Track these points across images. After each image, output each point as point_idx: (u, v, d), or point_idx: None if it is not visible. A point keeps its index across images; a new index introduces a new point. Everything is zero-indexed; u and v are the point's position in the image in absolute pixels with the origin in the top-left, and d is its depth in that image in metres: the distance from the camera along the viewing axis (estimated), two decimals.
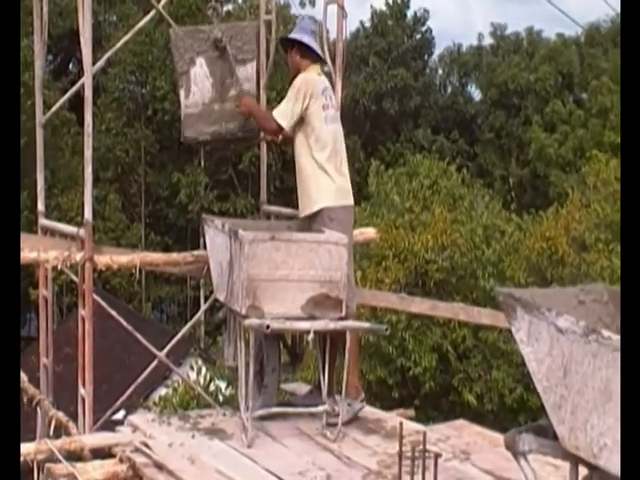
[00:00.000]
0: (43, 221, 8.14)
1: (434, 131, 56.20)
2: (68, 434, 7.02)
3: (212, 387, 19.16)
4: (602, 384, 3.73)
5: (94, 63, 7.29)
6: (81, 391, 7.19)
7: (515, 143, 54.23)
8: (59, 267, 7.14)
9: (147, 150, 46.35)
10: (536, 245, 23.47)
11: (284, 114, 7.14)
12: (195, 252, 8.01)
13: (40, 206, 8.21)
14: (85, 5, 7.05)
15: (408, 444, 4.72)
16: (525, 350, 4.15)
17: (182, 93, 7.79)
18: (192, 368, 20.09)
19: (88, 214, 7.16)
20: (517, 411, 20.99)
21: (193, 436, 6.61)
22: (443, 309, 9.08)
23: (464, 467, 6.01)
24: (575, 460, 4.01)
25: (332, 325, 6.46)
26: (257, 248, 6.34)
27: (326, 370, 6.74)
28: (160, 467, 5.97)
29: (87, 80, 7.15)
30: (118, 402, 8.22)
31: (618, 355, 3.63)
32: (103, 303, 7.82)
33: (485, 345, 21.22)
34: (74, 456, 6.35)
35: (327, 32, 8.20)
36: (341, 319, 6.52)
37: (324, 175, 7.13)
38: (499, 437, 5.91)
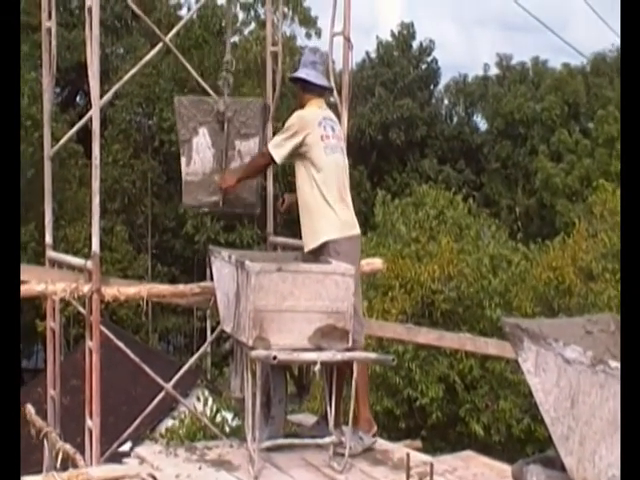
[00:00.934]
0: (51, 253, 8.16)
1: (440, 161, 56.30)
2: (75, 466, 7.01)
3: (219, 418, 19.09)
4: (610, 415, 3.73)
5: (102, 95, 7.33)
6: (88, 423, 7.18)
7: (521, 173, 54.27)
8: (67, 299, 7.15)
9: (154, 181, 46.46)
10: (543, 275, 23.41)
11: (277, 146, 7.22)
12: (202, 283, 8.02)
13: (48, 238, 8.22)
14: (93, 38, 7.10)
15: (415, 475, 4.71)
16: (532, 381, 4.15)
17: (184, 160, 7.89)
18: (199, 399, 20.02)
19: (95, 246, 7.18)
20: (525, 442, 20.87)
21: (200, 467, 6.60)
22: (450, 340, 9.07)
23: None
24: None
25: (339, 356, 6.46)
26: (264, 279, 6.35)
27: (333, 401, 6.73)
28: None
29: (95, 113, 7.19)
30: (125, 434, 8.20)
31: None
32: (110, 335, 7.83)
33: (492, 375, 21.13)
34: None
35: (333, 63, 8.25)
36: (348, 350, 6.52)
37: (327, 208, 7.12)
38: (507, 468, 5.89)
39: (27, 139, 33.71)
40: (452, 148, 57.73)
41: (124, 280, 9.62)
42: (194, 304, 8.87)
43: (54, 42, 7.92)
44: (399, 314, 20.82)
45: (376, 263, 8.90)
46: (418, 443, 7.99)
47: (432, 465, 4.76)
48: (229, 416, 19.17)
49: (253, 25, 51.16)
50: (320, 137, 7.19)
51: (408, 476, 4.66)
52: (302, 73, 7.41)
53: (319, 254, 7.13)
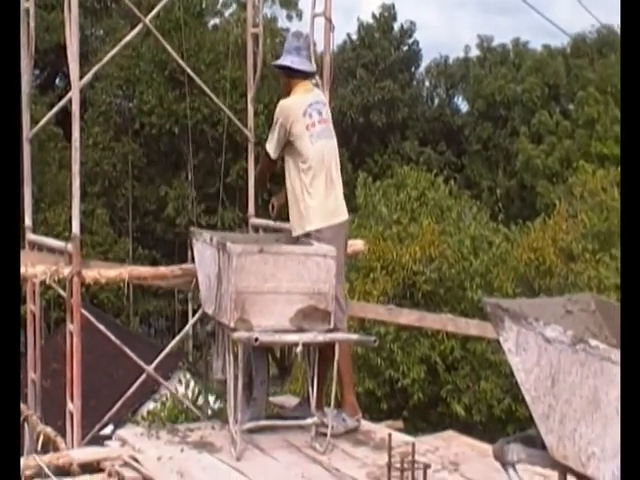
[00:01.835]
0: (30, 236, 8.11)
1: (421, 143, 56.36)
2: (56, 449, 6.99)
3: (200, 400, 19.11)
4: (590, 393, 3.75)
5: (81, 77, 7.29)
6: (69, 406, 7.16)
7: (502, 154, 54.39)
8: (47, 282, 7.12)
9: (134, 164, 46.35)
10: (524, 256, 23.50)
11: (269, 142, 7.22)
12: (183, 265, 8.00)
13: (27, 221, 8.17)
14: (72, 19, 7.05)
15: (397, 455, 4.73)
16: (513, 360, 4.16)
17: None
18: (180, 382, 20.04)
19: (76, 228, 7.16)
20: (505, 422, 20.99)
21: (182, 450, 6.60)
22: (431, 320, 9.10)
23: (453, 478, 6.01)
24: (563, 469, 4.02)
25: (320, 337, 6.46)
26: (245, 261, 6.34)
27: (315, 382, 6.73)
28: None
29: (74, 94, 7.15)
30: (106, 417, 8.18)
31: (605, 364, 3.65)
32: (91, 317, 7.82)
33: (473, 356, 21.23)
34: (63, 471, 6.33)
35: (314, 45, 8.23)
36: (329, 331, 6.53)
37: (312, 198, 7.08)
38: (488, 448, 5.91)
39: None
40: (433, 130, 57.78)
41: (105, 262, 9.61)
42: (175, 286, 8.85)
43: (32, 23, 7.85)
44: (380, 295, 20.87)
45: (357, 245, 8.90)
46: (400, 424, 8.01)
47: (414, 445, 4.77)
48: (211, 398, 19.19)
49: (234, 7, 51.11)
50: (305, 127, 7.13)
51: (390, 456, 4.67)
52: (287, 60, 7.32)
53: (303, 241, 7.13)
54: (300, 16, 49.66)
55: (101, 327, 8.07)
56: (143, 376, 8.19)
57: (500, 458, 4.26)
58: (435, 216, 23.97)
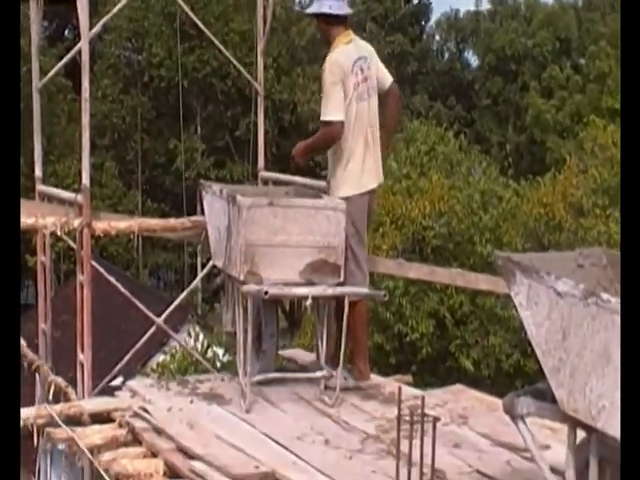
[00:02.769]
0: (41, 187, 8.12)
1: (431, 97, 56.04)
2: (67, 399, 7.03)
3: (210, 354, 19.21)
4: (601, 347, 3.74)
5: (90, 29, 7.25)
6: (80, 356, 7.20)
7: (512, 109, 54.05)
8: (57, 233, 7.13)
9: (143, 117, 46.17)
10: (533, 211, 23.48)
11: (332, 108, 6.82)
12: (193, 218, 8.00)
13: (38, 172, 8.18)
14: None
15: (406, 409, 4.73)
16: (524, 314, 4.16)
17: None
18: (190, 335, 20.13)
19: (86, 180, 7.15)
20: (514, 376, 21.08)
21: (192, 401, 6.64)
22: (441, 275, 9.08)
23: (462, 431, 6.04)
24: (573, 423, 4.03)
25: (330, 291, 6.47)
26: (255, 214, 6.34)
27: (324, 336, 6.74)
28: (159, 432, 5.99)
29: (84, 45, 7.12)
30: (116, 368, 8.21)
31: (617, 318, 3.64)
32: (101, 269, 7.83)
33: (482, 311, 21.27)
34: (73, 421, 6.38)
35: None
36: (339, 284, 6.53)
37: (348, 163, 6.90)
38: (496, 402, 5.93)
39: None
40: (443, 84, 57.44)
41: (115, 214, 9.61)
42: (185, 239, 8.87)
43: None
44: (390, 250, 20.89)
45: None
46: (409, 378, 8.01)
47: (423, 398, 4.78)
48: (220, 351, 19.29)
49: None
50: (353, 85, 6.87)
51: (399, 409, 4.67)
52: (324, 7, 6.96)
53: (315, 194, 7.09)
54: None
55: (111, 278, 8.08)
56: (153, 328, 8.21)
57: (510, 411, 4.27)
58: (445, 171, 23.91)
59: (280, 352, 7.93)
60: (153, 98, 46.33)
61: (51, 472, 11.43)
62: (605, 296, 3.73)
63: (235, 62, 9.55)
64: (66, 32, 52.38)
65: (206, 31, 10.04)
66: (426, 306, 20.75)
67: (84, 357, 7.15)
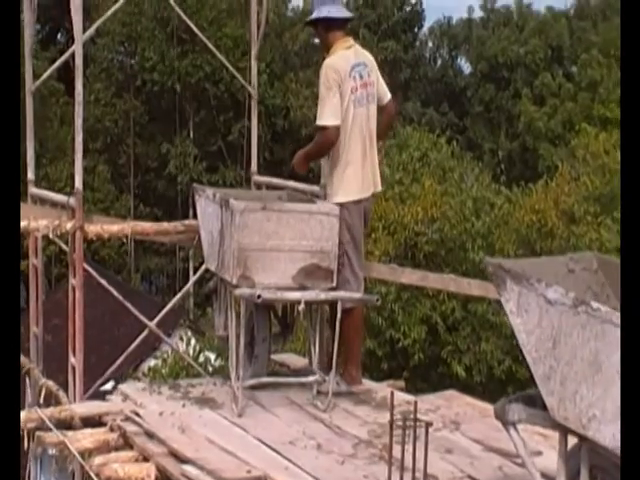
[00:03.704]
0: (33, 190, 8.09)
1: (424, 104, 56.14)
2: (58, 403, 7.02)
3: (201, 358, 19.19)
4: (591, 355, 3.74)
5: (84, 32, 7.24)
6: (71, 360, 7.18)
7: (504, 116, 54.16)
8: (50, 236, 7.11)
9: (136, 121, 46.21)
10: (525, 218, 23.48)
11: (327, 112, 6.81)
12: (186, 221, 8.00)
13: (30, 175, 8.15)
14: None
15: (399, 414, 4.73)
16: (515, 321, 4.15)
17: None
18: (181, 339, 20.12)
19: (79, 183, 7.14)
20: (505, 383, 21.03)
21: (184, 405, 6.63)
22: (433, 280, 9.06)
23: (454, 437, 6.04)
24: (564, 430, 4.03)
25: (323, 295, 6.47)
26: (248, 218, 6.34)
27: (317, 341, 6.74)
28: (151, 436, 5.98)
29: (77, 48, 7.11)
30: (107, 372, 8.18)
31: (607, 327, 3.64)
32: (93, 272, 7.80)
33: (474, 317, 21.23)
34: (64, 425, 6.36)
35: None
36: (332, 289, 6.52)
37: (345, 169, 6.90)
38: (488, 407, 5.94)
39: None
40: (436, 91, 57.55)
41: (107, 218, 9.58)
42: (178, 242, 8.85)
43: None
44: (382, 256, 20.84)
45: None
46: (401, 383, 8.01)
47: (416, 403, 4.78)
48: (212, 356, 19.28)
49: None
50: (350, 89, 6.87)
51: (392, 414, 4.68)
52: (323, 12, 7.03)
53: (308, 199, 7.08)
54: None
55: (103, 282, 8.05)
56: (145, 332, 8.19)
57: (501, 417, 4.27)
58: (437, 177, 23.87)
59: (272, 357, 7.91)
60: (146, 102, 46.38)
61: (41, 476, 11.39)
62: (595, 305, 3.73)
63: (229, 65, 9.55)
64: (59, 36, 52.35)
65: (200, 34, 10.01)
66: (418, 312, 20.71)
67: (75, 361, 7.13)
